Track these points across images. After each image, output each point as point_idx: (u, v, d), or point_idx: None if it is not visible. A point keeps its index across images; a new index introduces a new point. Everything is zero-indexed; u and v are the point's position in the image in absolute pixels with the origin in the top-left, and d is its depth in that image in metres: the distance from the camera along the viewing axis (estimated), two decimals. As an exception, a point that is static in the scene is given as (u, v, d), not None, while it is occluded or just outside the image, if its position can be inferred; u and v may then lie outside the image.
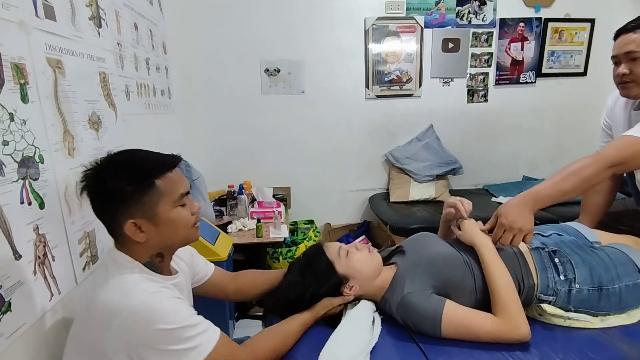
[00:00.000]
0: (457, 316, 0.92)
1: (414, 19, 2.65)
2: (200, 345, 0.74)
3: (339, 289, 1.02)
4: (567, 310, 1.01)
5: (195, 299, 1.02)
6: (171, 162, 0.81)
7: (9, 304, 0.76)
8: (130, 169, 0.77)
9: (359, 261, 1.04)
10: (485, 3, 2.70)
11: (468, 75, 2.81)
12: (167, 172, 0.79)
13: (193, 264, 1.06)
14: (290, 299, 1.00)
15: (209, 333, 0.77)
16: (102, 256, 1.15)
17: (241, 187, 2.47)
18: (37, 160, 0.87)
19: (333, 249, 1.06)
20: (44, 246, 0.87)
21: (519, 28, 2.77)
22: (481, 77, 2.82)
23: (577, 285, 1.01)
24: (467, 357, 0.89)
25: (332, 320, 1.00)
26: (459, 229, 1.12)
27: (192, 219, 0.84)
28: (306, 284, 1.00)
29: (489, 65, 2.81)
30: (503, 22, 2.74)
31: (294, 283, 1.02)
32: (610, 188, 1.42)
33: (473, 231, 1.08)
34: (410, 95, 2.78)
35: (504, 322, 0.91)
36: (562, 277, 1.02)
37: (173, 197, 0.79)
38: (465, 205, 1.13)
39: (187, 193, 0.83)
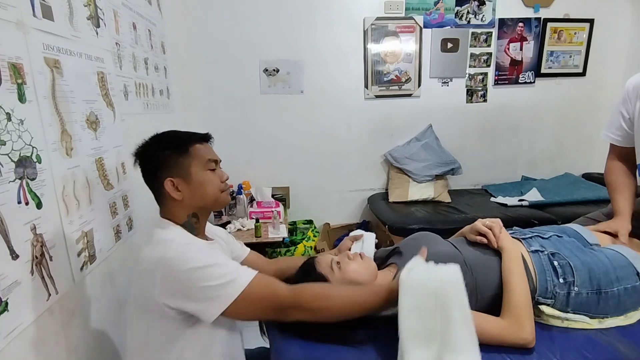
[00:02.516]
0: None
1: (413, 19, 2.65)
2: (236, 279, 0.81)
3: None
4: (566, 312, 1.00)
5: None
6: (202, 136, 0.98)
7: (6, 303, 0.76)
8: (168, 139, 0.95)
9: (353, 272, 1.02)
10: (484, 3, 2.70)
11: (467, 75, 2.81)
12: (198, 142, 0.95)
13: (229, 242, 1.15)
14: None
15: (244, 269, 0.84)
16: (100, 256, 1.16)
17: (240, 187, 2.47)
18: (35, 160, 0.87)
19: (325, 264, 1.04)
20: (41, 246, 0.87)
21: (518, 28, 2.77)
22: (480, 77, 2.82)
23: (576, 288, 1.01)
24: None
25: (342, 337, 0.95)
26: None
27: (220, 184, 0.97)
28: None
29: (488, 65, 2.82)
30: (502, 22, 2.74)
31: None
32: (628, 170, 1.38)
33: (507, 236, 1.09)
34: (409, 95, 2.78)
35: (510, 325, 0.90)
36: (561, 280, 1.02)
37: (202, 160, 0.94)
38: (496, 233, 1.08)
39: (216, 161, 0.98)
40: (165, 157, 0.91)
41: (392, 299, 0.85)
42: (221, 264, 0.82)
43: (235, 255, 1.16)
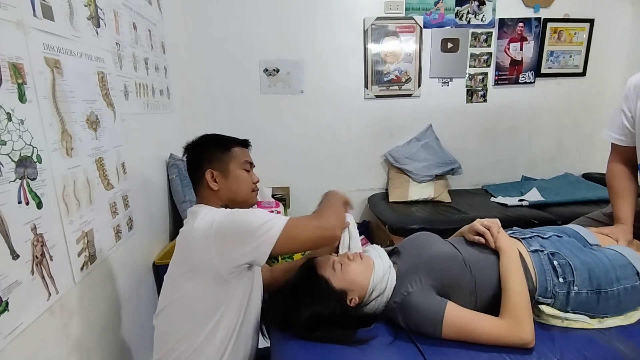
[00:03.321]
0: (458, 318, 0.92)
1: (413, 19, 2.65)
2: (276, 216, 0.94)
3: (342, 304, 1.00)
4: (565, 312, 1.01)
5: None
6: (242, 141, 1.15)
7: (6, 303, 0.76)
8: (215, 138, 1.13)
9: (354, 272, 1.03)
10: (484, 3, 2.70)
11: (467, 75, 2.81)
12: (238, 145, 1.12)
13: None
14: (304, 323, 0.97)
15: (276, 216, 0.96)
16: (100, 256, 1.16)
17: (240, 187, 2.47)
18: (35, 160, 0.87)
19: (326, 265, 1.04)
20: (41, 246, 0.87)
21: (518, 28, 2.77)
22: (480, 77, 2.82)
23: (575, 288, 1.01)
24: (464, 357, 0.89)
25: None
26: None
27: (252, 185, 1.12)
28: (307, 307, 0.97)
29: (488, 65, 2.81)
30: (502, 22, 2.74)
31: (297, 309, 0.98)
32: (631, 174, 1.37)
33: (505, 236, 1.09)
34: (409, 95, 2.78)
35: (509, 326, 0.90)
36: (560, 280, 1.02)
37: (240, 161, 1.09)
38: (494, 233, 1.09)
39: (252, 164, 1.13)
40: (210, 152, 1.07)
41: None
42: (264, 212, 0.95)
43: None
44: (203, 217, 0.95)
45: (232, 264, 0.91)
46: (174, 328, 0.97)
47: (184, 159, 1.12)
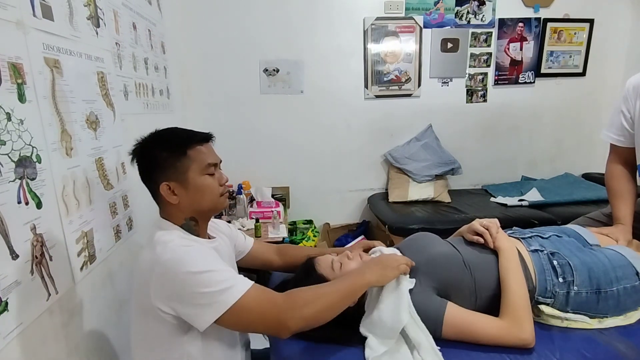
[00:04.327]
0: (459, 318, 0.92)
1: (413, 19, 2.65)
2: (232, 287, 0.78)
3: None
4: (565, 312, 1.01)
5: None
6: (203, 136, 0.93)
7: (6, 303, 0.76)
8: (167, 139, 0.91)
9: None
10: (484, 3, 2.70)
11: (467, 75, 2.81)
12: (198, 144, 0.91)
13: (232, 236, 1.14)
14: None
15: (240, 279, 0.81)
16: (99, 256, 1.16)
17: (240, 187, 2.47)
18: (35, 159, 0.87)
19: (326, 264, 1.04)
20: (41, 246, 0.87)
21: (518, 28, 2.77)
22: (480, 77, 2.82)
23: (575, 288, 1.01)
24: (464, 358, 0.89)
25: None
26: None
27: (219, 188, 0.93)
28: None
29: (488, 65, 2.82)
30: (502, 22, 2.74)
31: None
32: (629, 174, 1.37)
33: (504, 236, 1.09)
34: (409, 95, 2.78)
35: (509, 326, 0.90)
36: (560, 280, 1.02)
37: (201, 165, 0.89)
38: (493, 233, 1.09)
39: (216, 165, 0.93)
40: (162, 160, 0.88)
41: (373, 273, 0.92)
42: (218, 271, 0.79)
43: (240, 249, 1.16)
44: (152, 249, 0.82)
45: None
46: None
47: (133, 164, 0.93)
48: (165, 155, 0.88)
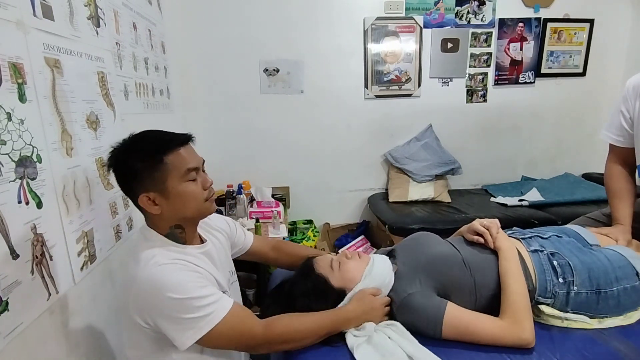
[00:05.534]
0: (459, 319, 0.92)
1: (413, 18, 2.65)
2: (210, 313, 0.78)
3: (341, 302, 1.00)
4: (565, 312, 1.01)
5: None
6: (181, 139, 0.87)
7: (6, 303, 0.76)
8: (141, 147, 0.85)
9: (352, 270, 1.02)
10: (484, 3, 2.70)
11: (467, 75, 2.81)
12: (175, 149, 0.84)
13: (231, 233, 1.13)
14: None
15: (220, 303, 0.81)
16: (100, 255, 1.16)
17: (240, 187, 2.47)
18: (35, 159, 0.87)
19: (325, 264, 1.04)
20: (41, 246, 0.87)
21: (518, 28, 2.77)
22: (480, 77, 2.82)
23: (575, 288, 1.01)
24: (464, 358, 0.89)
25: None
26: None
27: (203, 193, 0.88)
28: (307, 306, 0.96)
29: (488, 65, 2.82)
30: (502, 22, 2.74)
31: (298, 309, 0.97)
32: (629, 175, 1.37)
33: (504, 236, 1.09)
34: (409, 95, 2.78)
35: (509, 326, 0.91)
36: (560, 280, 1.02)
37: (180, 172, 0.84)
38: (493, 233, 1.09)
39: (197, 169, 0.88)
40: (138, 170, 0.82)
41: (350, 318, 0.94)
42: (198, 297, 0.78)
43: (240, 247, 1.17)
44: (134, 264, 0.82)
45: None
46: None
47: (111, 174, 0.88)
48: (140, 166, 0.82)
